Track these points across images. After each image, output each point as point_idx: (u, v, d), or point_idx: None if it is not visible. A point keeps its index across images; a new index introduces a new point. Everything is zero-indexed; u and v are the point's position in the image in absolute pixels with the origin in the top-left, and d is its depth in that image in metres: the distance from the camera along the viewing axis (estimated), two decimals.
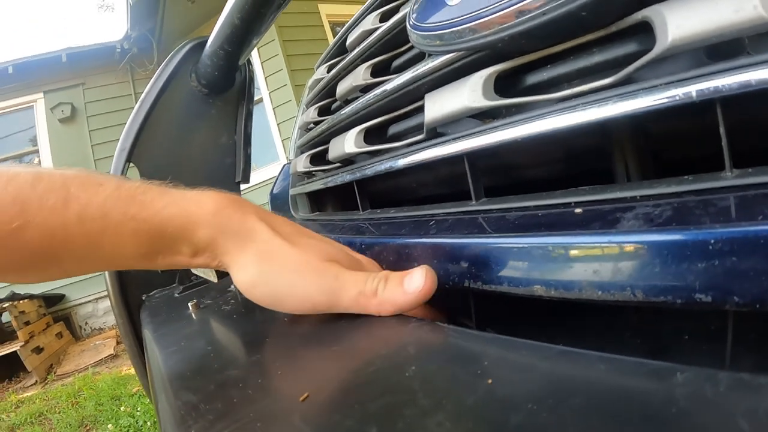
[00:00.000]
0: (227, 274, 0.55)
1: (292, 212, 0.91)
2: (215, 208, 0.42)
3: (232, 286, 0.61)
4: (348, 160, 0.67)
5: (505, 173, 0.54)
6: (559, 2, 0.35)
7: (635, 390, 0.19)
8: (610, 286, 0.28)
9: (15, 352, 4.21)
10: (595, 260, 0.28)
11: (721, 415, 0.16)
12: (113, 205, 0.40)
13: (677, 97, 0.29)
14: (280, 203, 0.98)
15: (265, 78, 5.45)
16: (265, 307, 0.43)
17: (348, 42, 0.73)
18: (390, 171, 0.53)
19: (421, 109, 0.50)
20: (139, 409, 3.00)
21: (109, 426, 2.87)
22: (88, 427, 3.01)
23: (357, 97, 0.65)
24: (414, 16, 0.49)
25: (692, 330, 0.33)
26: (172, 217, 0.41)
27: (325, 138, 0.74)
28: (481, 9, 0.40)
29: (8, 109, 6.09)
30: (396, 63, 0.63)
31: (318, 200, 0.85)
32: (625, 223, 0.29)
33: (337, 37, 0.83)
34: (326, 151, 0.71)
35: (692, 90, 0.29)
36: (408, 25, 0.49)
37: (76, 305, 5.77)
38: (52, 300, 5.52)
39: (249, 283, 0.42)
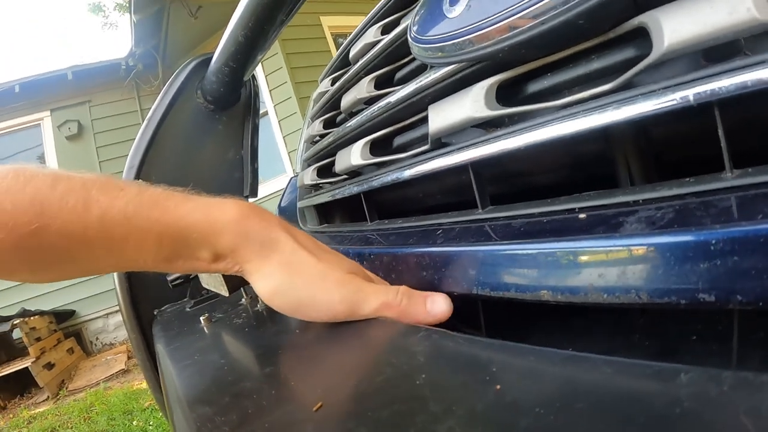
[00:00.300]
0: (239, 287, 0.56)
1: (301, 224, 0.92)
2: (239, 215, 0.43)
3: (243, 300, 0.61)
4: (355, 172, 0.68)
5: (510, 180, 0.54)
6: (556, 12, 0.35)
7: (640, 392, 0.19)
8: (615, 290, 0.28)
9: (26, 368, 4.22)
10: (599, 264, 0.29)
11: (724, 414, 0.16)
12: (136, 209, 0.41)
13: (675, 102, 0.30)
14: (288, 216, 0.99)
15: (270, 91, 5.49)
16: (286, 314, 0.44)
17: (351, 55, 0.74)
18: (396, 182, 0.53)
19: (425, 120, 0.50)
20: (151, 423, 3.00)
21: None
22: None
23: (362, 110, 0.65)
24: (415, 29, 0.50)
25: (700, 329, 0.33)
26: (196, 223, 0.42)
27: (331, 151, 0.75)
28: (480, 21, 0.41)
29: (16, 128, 6.14)
30: (399, 75, 0.63)
31: (326, 212, 0.86)
32: (628, 226, 0.29)
33: (339, 50, 0.84)
34: (333, 163, 0.72)
35: (689, 94, 0.29)
36: (409, 38, 0.50)
37: (86, 321, 5.79)
38: (62, 316, 5.54)
39: (272, 291, 0.43)
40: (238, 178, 0.99)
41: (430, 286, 0.42)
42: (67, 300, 5.60)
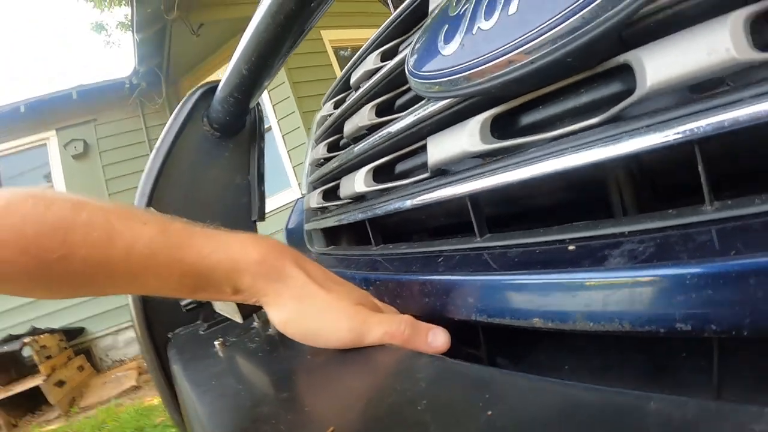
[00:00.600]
0: (252, 314, 0.58)
1: (308, 246, 0.95)
2: (259, 257, 0.47)
3: (255, 324, 0.64)
4: (359, 196, 0.71)
5: (506, 206, 0.57)
6: (545, 51, 0.37)
7: (613, 417, 0.21)
8: (600, 318, 0.30)
9: (37, 386, 4.25)
10: (586, 295, 0.31)
11: None
12: (160, 247, 0.43)
13: (657, 141, 0.32)
14: (295, 237, 1.02)
15: (273, 106, 5.53)
16: (297, 341, 0.47)
17: (352, 81, 0.77)
18: (398, 211, 0.56)
19: (425, 147, 0.53)
20: None
21: None
22: None
23: (364, 135, 0.68)
24: (412, 62, 0.53)
25: (682, 356, 0.35)
26: (219, 263, 0.45)
27: (336, 175, 0.77)
28: (473, 59, 0.43)
29: (22, 147, 6.20)
30: (399, 101, 0.66)
31: (332, 234, 0.88)
32: (612, 260, 0.31)
33: (341, 74, 0.87)
34: (338, 186, 0.75)
35: (670, 134, 0.32)
36: (407, 71, 0.53)
37: (96, 338, 5.82)
38: (72, 333, 5.57)
39: (284, 321, 0.46)
40: (246, 203, 1.02)
41: (431, 310, 0.45)
42: (76, 317, 5.63)
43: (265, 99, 5.50)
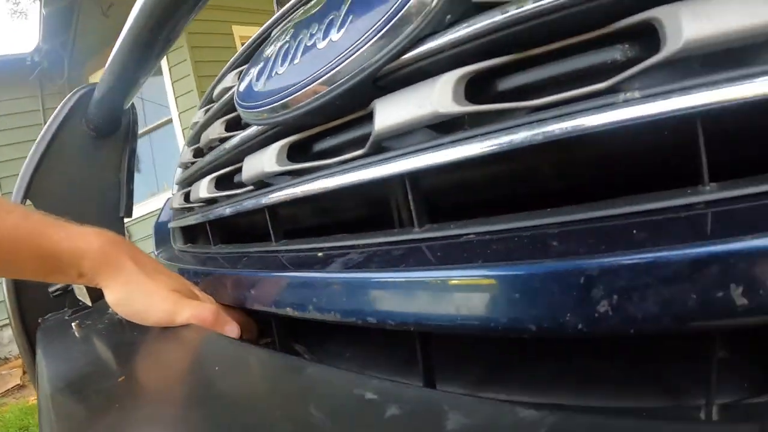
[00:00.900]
0: (100, 299, 0.69)
1: (172, 243, 1.04)
2: (99, 246, 0.57)
3: (110, 310, 0.73)
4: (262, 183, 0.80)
5: (301, 216, 0.69)
6: (319, 99, 0.48)
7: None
8: (355, 313, 0.43)
9: None
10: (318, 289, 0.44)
11: None
12: (22, 235, 0.53)
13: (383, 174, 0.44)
14: (163, 233, 1.10)
15: (176, 98, 5.44)
16: (128, 319, 0.59)
17: (214, 95, 0.87)
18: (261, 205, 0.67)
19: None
20: None
21: None
22: None
23: (217, 145, 0.78)
24: (239, 92, 0.64)
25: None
26: (68, 249, 0.55)
27: (194, 180, 0.87)
28: (268, 98, 0.55)
29: None
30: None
31: (191, 233, 0.98)
32: (333, 264, 0.44)
33: (209, 89, 0.96)
34: (192, 188, 0.84)
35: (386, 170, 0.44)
36: (235, 99, 0.64)
37: None
38: None
39: (116, 302, 0.58)
40: (116, 199, 1.10)
41: (237, 301, 0.56)
42: None
43: (167, 90, 5.41)
